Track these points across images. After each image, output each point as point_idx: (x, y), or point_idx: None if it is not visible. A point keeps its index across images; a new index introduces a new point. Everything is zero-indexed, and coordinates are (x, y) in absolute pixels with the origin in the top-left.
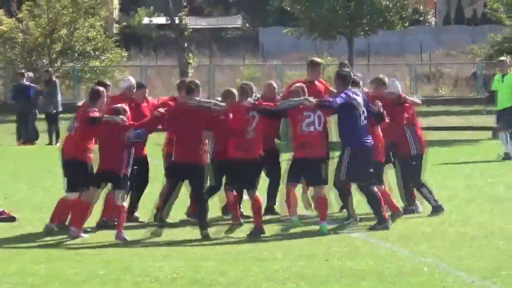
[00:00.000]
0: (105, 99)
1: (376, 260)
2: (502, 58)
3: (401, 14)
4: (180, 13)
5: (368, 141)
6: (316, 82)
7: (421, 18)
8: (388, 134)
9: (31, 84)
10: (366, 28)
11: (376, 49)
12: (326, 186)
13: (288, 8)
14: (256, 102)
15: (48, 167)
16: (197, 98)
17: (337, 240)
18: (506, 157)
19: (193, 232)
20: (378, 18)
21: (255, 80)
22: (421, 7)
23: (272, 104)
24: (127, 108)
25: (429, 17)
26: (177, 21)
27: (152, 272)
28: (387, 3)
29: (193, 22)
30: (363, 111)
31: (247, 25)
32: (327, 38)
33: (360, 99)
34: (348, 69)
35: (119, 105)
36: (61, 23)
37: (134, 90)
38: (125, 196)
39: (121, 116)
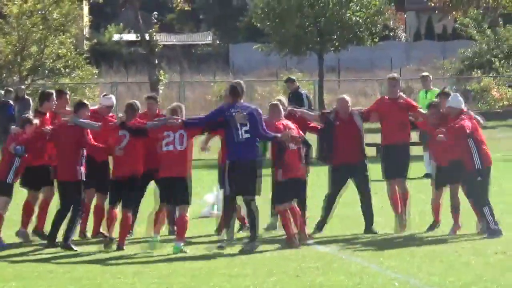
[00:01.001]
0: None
1: (347, 276)
2: (425, 73)
3: (371, 30)
4: (151, 30)
5: (249, 155)
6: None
7: (391, 34)
8: (454, 150)
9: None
10: (336, 44)
11: (346, 65)
12: (188, 206)
13: (258, 25)
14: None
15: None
16: (77, 119)
17: (309, 256)
18: (425, 176)
19: (165, 248)
20: (348, 34)
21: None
22: (391, 23)
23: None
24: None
25: (399, 32)
26: (147, 38)
27: None
28: (357, 19)
29: (163, 39)
30: (241, 126)
31: (218, 41)
32: (297, 54)
33: (241, 115)
34: (296, 85)
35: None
36: (31, 41)
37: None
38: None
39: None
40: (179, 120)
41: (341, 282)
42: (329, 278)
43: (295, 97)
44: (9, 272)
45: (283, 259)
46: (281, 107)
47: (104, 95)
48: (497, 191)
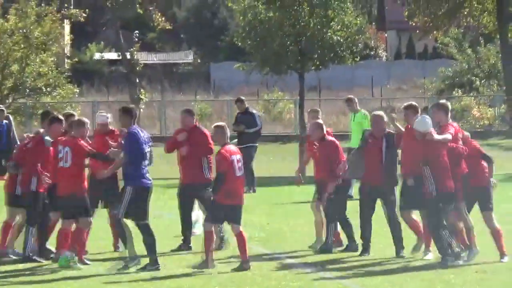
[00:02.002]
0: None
1: None
2: (350, 96)
3: (352, 49)
4: (131, 49)
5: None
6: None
7: (372, 53)
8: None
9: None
10: (317, 63)
11: (327, 83)
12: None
13: (239, 44)
14: None
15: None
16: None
17: (290, 275)
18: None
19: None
20: (329, 53)
21: (206, 116)
22: (372, 42)
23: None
24: None
25: (380, 51)
26: (128, 57)
27: None
28: (338, 38)
29: (144, 58)
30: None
31: (198, 60)
32: (278, 73)
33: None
34: (246, 105)
35: None
36: (12, 59)
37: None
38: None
39: None
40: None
41: None
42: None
43: (246, 117)
44: None
45: (265, 276)
46: (226, 130)
47: (99, 113)
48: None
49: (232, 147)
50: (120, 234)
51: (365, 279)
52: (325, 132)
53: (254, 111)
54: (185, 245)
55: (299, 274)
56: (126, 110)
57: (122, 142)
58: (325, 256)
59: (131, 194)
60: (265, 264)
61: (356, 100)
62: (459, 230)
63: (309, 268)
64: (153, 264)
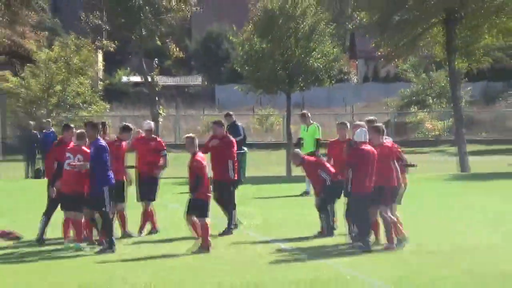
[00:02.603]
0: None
1: (309, 271)
2: (304, 112)
3: (329, 73)
4: (152, 73)
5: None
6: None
7: (345, 77)
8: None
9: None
10: (301, 85)
11: (309, 101)
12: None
13: (239, 69)
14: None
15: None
16: None
17: (278, 255)
18: (304, 194)
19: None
20: (310, 77)
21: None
22: (345, 68)
23: None
24: None
25: (351, 76)
26: (149, 79)
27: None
28: (318, 65)
29: (162, 80)
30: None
31: (205, 83)
32: (269, 93)
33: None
34: (233, 119)
35: None
36: (56, 81)
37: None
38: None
39: None
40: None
41: (300, 274)
42: (294, 273)
43: (232, 129)
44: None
45: (256, 256)
46: (195, 141)
47: (146, 122)
48: (419, 204)
49: (201, 154)
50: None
51: (342, 260)
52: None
53: (239, 124)
54: (229, 231)
55: (286, 255)
56: (92, 124)
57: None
58: (312, 240)
59: (108, 192)
60: (259, 247)
61: (309, 115)
62: (393, 223)
63: (303, 252)
64: (111, 247)
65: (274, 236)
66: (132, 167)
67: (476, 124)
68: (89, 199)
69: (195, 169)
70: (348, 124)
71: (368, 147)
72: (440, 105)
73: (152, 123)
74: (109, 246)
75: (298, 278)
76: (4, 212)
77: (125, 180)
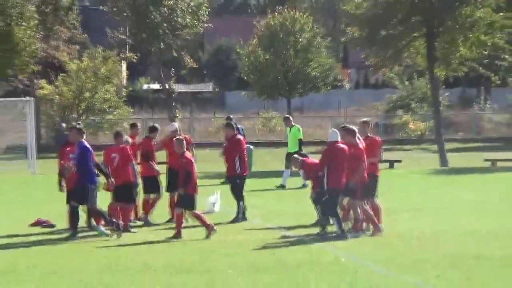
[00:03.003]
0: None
1: (306, 253)
2: (287, 115)
3: (325, 81)
4: (169, 81)
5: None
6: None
7: (339, 84)
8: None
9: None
10: (301, 91)
11: (307, 105)
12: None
13: (245, 78)
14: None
15: None
16: None
17: (282, 237)
18: (280, 187)
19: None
20: (308, 84)
21: (221, 129)
22: (339, 76)
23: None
24: None
25: (344, 83)
26: (167, 87)
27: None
28: (315, 73)
29: (178, 87)
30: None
31: (216, 89)
32: (272, 99)
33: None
34: (233, 122)
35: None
36: (85, 88)
37: (178, 132)
38: None
39: None
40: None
41: (300, 256)
42: (295, 256)
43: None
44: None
45: (261, 241)
46: (184, 142)
47: (171, 124)
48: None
49: (189, 154)
50: (99, 214)
51: (338, 244)
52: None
53: (239, 126)
54: (243, 217)
55: (291, 239)
56: (77, 129)
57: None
58: (315, 229)
59: (93, 188)
60: (264, 233)
61: (291, 118)
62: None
63: (303, 238)
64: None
65: (277, 224)
66: (164, 163)
67: (453, 125)
68: (75, 193)
69: (185, 166)
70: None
71: (340, 145)
72: (422, 108)
73: (176, 124)
74: (73, 234)
75: (299, 260)
76: (40, 203)
77: (157, 174)
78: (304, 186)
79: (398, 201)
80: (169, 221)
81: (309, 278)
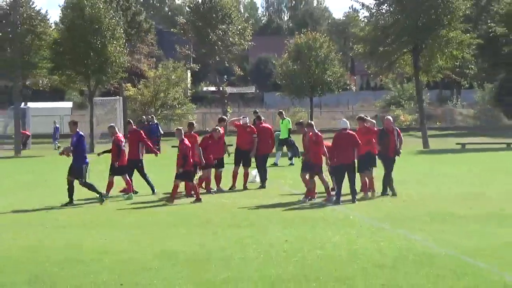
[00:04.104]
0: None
1: (320, 211)
2: (280, 110)
3: (338, 84)
4: (222, 85)
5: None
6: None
7: (347, 87)
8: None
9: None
10: (319, 92)
11: (324, 103)
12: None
13: (279, 82)
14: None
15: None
16: None
17: (297, 200)
18: (274, 165)
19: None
20: (326, 87)
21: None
22: (348, 81)
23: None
24: None
25: (352, 86)
26: (221, 89)
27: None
28: (330, 79)
29: (229, 89)
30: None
31: (257, 91)
32: (299, 98)
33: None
34: (258, 114)
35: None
36: (160, 90)
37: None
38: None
39: None
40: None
41: (319, 215)
42: (314, 213)
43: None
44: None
45: (289, 203)
46: (182, 131)
47: (242, 117)
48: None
49: (186, 140)
50: (90, 187)
51: (349, 205)
52: None
53: (262, 118)
54: (263, 185)
55: (310, 203)
56: (74, 122)
57: (74, 139)
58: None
59: (85, 168)
60: (288, 198)
61: (283, 112)
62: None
63: (319, 201)
64: (101, 199)
65: (301, 191)
66: (230, 145)
67: (432, 117)
68: (72, 171)
69: (184, 151)
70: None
71: (347, 132)
72: (409, 105)
73: (247, 119)
74: (101, 199)
75: (318, 217)
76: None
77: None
78: (291, 164)
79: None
80: (230, 188)
81: (326, 230)
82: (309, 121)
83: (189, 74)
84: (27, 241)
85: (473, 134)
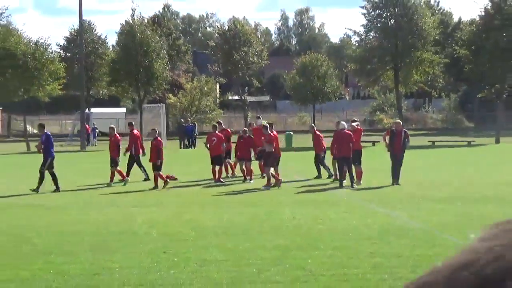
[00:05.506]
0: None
1: (329, 195)
2: (270, 122)
3: (335, 94)
4: (244, 94)
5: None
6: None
7: (343, 96)
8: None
9: (189, 124)
10: (321, 101)
11: (324, 109)
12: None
13: (289, 92)
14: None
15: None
16: None
17: (312, 185)
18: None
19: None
20: (326, 96)
21: (275, 124)
22: (343, 91)
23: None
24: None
25: (346, 95)
26: (243, 98)
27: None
28: (329, 90)
29: (249, 98)
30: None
31: (271, 99)
32: (304, 104)
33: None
34: (260, 120)
35: None
36: (195, 98)
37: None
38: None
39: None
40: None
41: (328, 198)
42: (323, 196)
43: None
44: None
45: (301, 187)
46: (156, 131)
47: (257, 117)
48: (379, 163)
49: (160, 138)
50: (53, 178)
51: (356, 191)
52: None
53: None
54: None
55: (320, 191)
56: (41, 125)
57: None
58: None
59: (51, 160)
60: (303, 183)
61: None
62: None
63: (325, 185)
64: (58, 189)
65: (305, 177)
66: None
67: (409, 120)
68: (44, 163)
69: (157, 146)
70: (344, 123)
71: (345, 131)
72: (391, 110)
73: (260, 120)
74: (57, 189)
75: (325, 199)
76: (167, 164)
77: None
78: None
79: (377, 163)
80: (244, 180)
81: (326, 210)
82: (266, 123)
83: (217, 86)
84: (89, 217)
85: (442, 134)
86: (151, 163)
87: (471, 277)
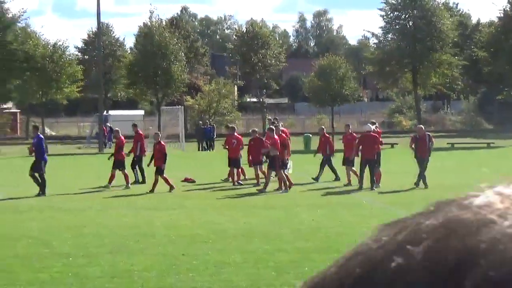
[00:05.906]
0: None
1: (338, 194)
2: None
3: (353, 96)
4: (262, 96)
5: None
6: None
7: (361, 98)
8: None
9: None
10: (339, 103)
11: (343, 111)
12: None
13: (307, 94)
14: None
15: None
16: None
17: (318, 185)
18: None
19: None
20: (344, 98)
21: (293, 126)
22: (361, 93)
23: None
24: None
25: (364, 97)
26: (261, 100)
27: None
28: (347, 92)
29: (267, 100)
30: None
31: (290, 101)
32: (322, 107)
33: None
34: (277, 122)
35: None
36: (213, 101)
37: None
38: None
39: None
40: None
41: (341, 200)
42: (336, 198)
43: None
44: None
45: (315, 190)
46: (159, 135)
47: (272, 122)
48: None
49: (163, 142)
50: (41, 183)
51: (362, 192)
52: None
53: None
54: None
55: (326, 191)
56: (35, 127)
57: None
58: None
59: (44, 163)
60: (315, 185)
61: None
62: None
63: (333, 185)
64: (43, 193)
65: (323, 181)
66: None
67: (428, 122)
68: (34, 166)
69: (161, 150)
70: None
71: (371, 134)
72: (410, 112)
73: (273, 126)
74: (43, 193)
75: (338, 201)
76: (186, 166)
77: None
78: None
79: (396, 166)
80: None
81: (344, 212)
82: (271, 126)
83: (236, 88)
84: (108, 219)
85: (461, 136)
86: (155, 167)
87: (364, 260)
